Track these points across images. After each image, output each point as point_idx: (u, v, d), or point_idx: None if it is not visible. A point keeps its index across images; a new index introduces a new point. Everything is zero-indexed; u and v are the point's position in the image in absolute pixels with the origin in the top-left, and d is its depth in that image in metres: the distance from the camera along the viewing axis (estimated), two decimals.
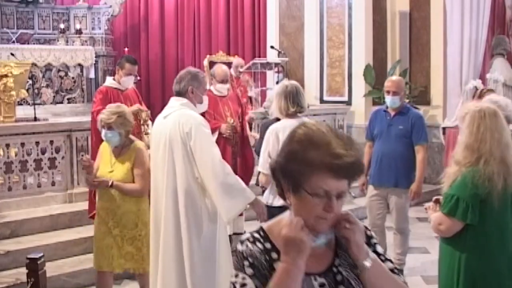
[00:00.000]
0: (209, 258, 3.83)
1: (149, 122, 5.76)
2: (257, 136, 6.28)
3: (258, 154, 4.80)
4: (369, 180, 5.60)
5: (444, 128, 8.90)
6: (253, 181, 5.87)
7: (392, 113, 5.42)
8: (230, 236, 5.16)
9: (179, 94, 4.00)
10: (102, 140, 5.41)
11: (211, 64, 8.44)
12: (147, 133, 5.67)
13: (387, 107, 5.50)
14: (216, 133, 5.66)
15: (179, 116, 3.87)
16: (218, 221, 3.90)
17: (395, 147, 5.19)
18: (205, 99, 4.14)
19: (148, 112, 5.76)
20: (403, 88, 5.47)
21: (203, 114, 4.19)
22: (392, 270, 1.84)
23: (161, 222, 3.87)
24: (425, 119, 5.40)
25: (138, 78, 6.36)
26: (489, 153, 2.95)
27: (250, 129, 6.37)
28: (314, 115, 9.03)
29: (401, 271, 5.29)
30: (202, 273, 3.80)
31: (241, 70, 8.69)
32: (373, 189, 5.51)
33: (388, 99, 5.43)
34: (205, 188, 3.81)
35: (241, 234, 6.29)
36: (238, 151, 6.15)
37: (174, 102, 4.00)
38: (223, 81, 6.01)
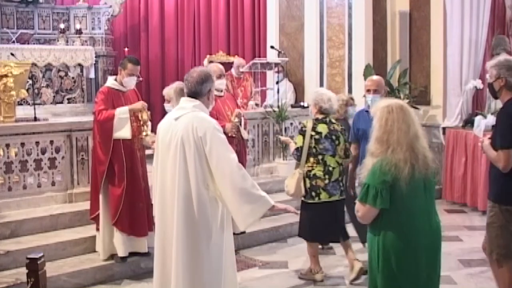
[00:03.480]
0: (216, 266, 3.74)
1: (149, 123, 5.76)
2: (292, 143, 6.03)
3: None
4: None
5: (444, 128, 8.91)
6: None
7: None
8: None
9: (197, 95, 3.84)
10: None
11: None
12: (147, 134, 5.67)
13: (369, 107, 5.53)
14: None
15: (192, 119, 3.72)
16: (225, 229, 3.81)
17: None
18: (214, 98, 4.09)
19: (148, 113, 5.75)
20: (384, 86, 5.57)
21: None
22: None
23: (170, 228, 3.74)
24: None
25: (141, 79, 6.36)
26: (397, 143, 3.28)
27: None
28: None
29: None
30: (210, 281, 3.71)
31: (242, 70, 8.70)
32: None
33: (369, 97, 5.53)
34: (216, 195, 3.70)
35: (242, 233, 6.31)
36: (241, 150, 6.18)
37: (186, 104, 3.84)
38: (220, 76, 6.11)
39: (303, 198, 5.48)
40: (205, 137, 3.65)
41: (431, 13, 9.33)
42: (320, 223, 5.42)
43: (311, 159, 5.38)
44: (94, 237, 5.77)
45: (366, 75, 9.19)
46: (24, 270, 2.88)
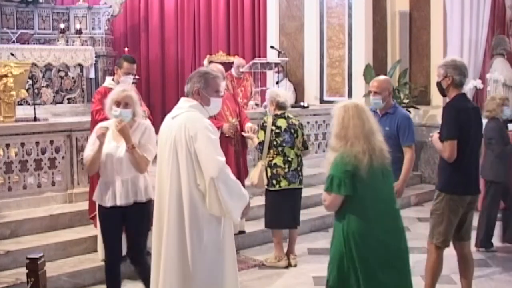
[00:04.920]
0: (210, 267, 3.70)
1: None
2: (255, 138, 6.17)
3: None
4: None
5: None
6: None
7: (380, 114, 5.34)
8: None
9: (187, 94, 3.85)
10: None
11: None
12: None
13: (376, 108, 5.49)
14: (219, 133, 5.63)
15: (185, 119, 3.72)
16: (223, 230, 3.77)
17: None
18: (215, 101, 3.88)
19: (145, 112, 5.73)
20: (387, 88, 5.37)
21: None
22: None
23: (163, 227, 3.73)
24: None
25: (137, 77, 6.35)
26: (354, 137, 3.60)
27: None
28: (314, 115, 9.04)
29: None
30: (202, 282, 3.68)
31: (242, 70, 8.69)
32: None
33: (371, 99, 5.46)
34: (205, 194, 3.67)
35: (243, 232, 6.32)
36: (240, 150, 6.17)
37: (184, 103, 3.84)
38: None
39: (266, 187, 5.97)
40: (195, 136, 3.64)
41: (431, 13, 9.34)
42: (280, 209, 5.89)
43: (272, 151, 5.91)
44: (94, 237, 5.76)
45: (366, 75, 9.21)
46: (24, 270, 2.88)
